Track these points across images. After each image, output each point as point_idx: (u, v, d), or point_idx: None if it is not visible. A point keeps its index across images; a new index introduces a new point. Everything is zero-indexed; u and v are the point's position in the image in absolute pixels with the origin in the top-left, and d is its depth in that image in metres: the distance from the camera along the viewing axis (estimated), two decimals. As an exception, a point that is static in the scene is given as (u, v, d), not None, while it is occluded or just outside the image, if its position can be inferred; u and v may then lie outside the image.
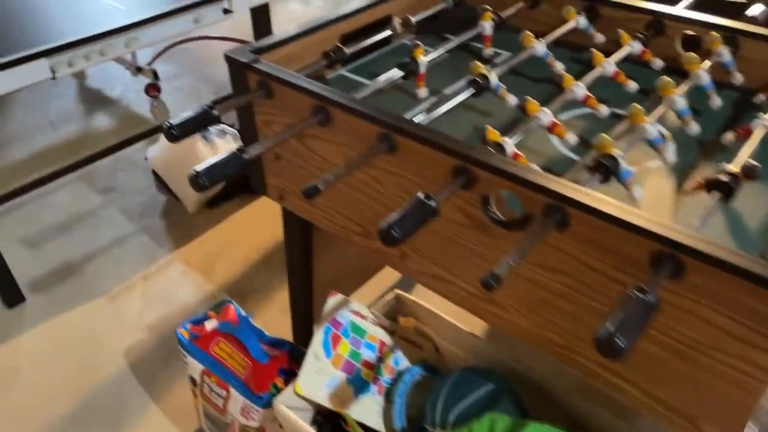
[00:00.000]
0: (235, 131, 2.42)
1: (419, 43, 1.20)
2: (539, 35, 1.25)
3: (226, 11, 1.84)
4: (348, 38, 1.36)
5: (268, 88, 1.12)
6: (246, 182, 2.33)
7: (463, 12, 1.50)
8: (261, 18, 2.21)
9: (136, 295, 1.94)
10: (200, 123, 1.02)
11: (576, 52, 1.39)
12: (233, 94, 1.20)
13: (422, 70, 1.20)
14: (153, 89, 3.03)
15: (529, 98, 1.02)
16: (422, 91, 1.23)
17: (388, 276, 1.90)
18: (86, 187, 2.41)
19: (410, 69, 1.19)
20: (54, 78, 1.52)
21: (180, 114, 0.99)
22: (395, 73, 1.20)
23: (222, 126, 2.41)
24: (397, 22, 1.36)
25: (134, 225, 2.22)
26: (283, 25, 2.53)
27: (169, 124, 0.99)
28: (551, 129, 1.01)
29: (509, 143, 0.94)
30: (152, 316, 1.87)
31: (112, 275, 2.01)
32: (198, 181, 0.89)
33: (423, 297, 1.36)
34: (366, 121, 0.98)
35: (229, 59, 1.16)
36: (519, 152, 0.95)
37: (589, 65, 1.17)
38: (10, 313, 1.89)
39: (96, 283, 1.99)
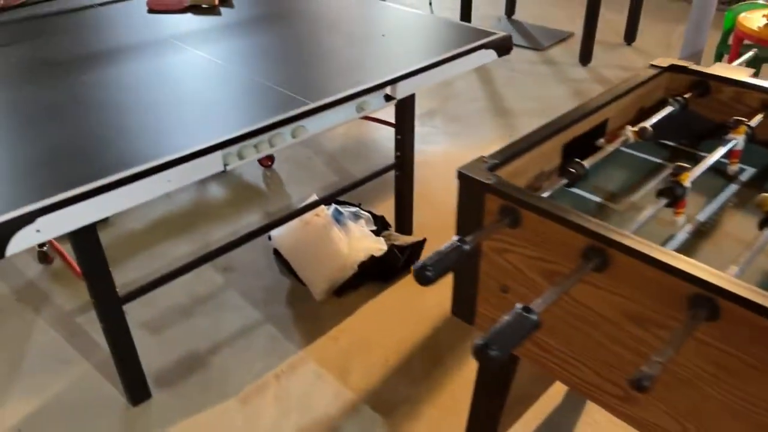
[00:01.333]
0: (369, 215, 2.27)
1: (687, 165, 1.01)
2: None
3: (389, 98, 1.72)
4: (569, 149, 1.19)
5: (515, 216, 0.95)
6: (374, 272, 2.15)
7: (685, 117, 1.32)
8: (406, 106, 2.09)
9: (269, 398, 1.76)
10: (455, 261, 0.86)
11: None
12: (459, 211, 1.03)
13: (687, 195, 1.01)
14: (267, 159, 2.95)
15: None
16: (681, 219, 1.04)
17: (551, 397, 1.68)
18: (206, 265, 2.29)
19: (677, 196, 1.00)
20: (225, 171, 1.40)
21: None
22: (654, 199, 1.01)
23: (355, 209, 2.27)
24: (630, 131, 1.18)
25: (259, 312, 2.08)
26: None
27: (422, 265, 0.83)
28: None
29: None
30: (290, 426, 1.68)
31: (241, 371, 1.85)
32: (488, 353, 0.72)
33: None
34: (675, 276, 0.79)
35: (464, 178, 1.00)
36: None
37: None
38: (134, 412, 1.73)
39: (224, 379, 1.83)
